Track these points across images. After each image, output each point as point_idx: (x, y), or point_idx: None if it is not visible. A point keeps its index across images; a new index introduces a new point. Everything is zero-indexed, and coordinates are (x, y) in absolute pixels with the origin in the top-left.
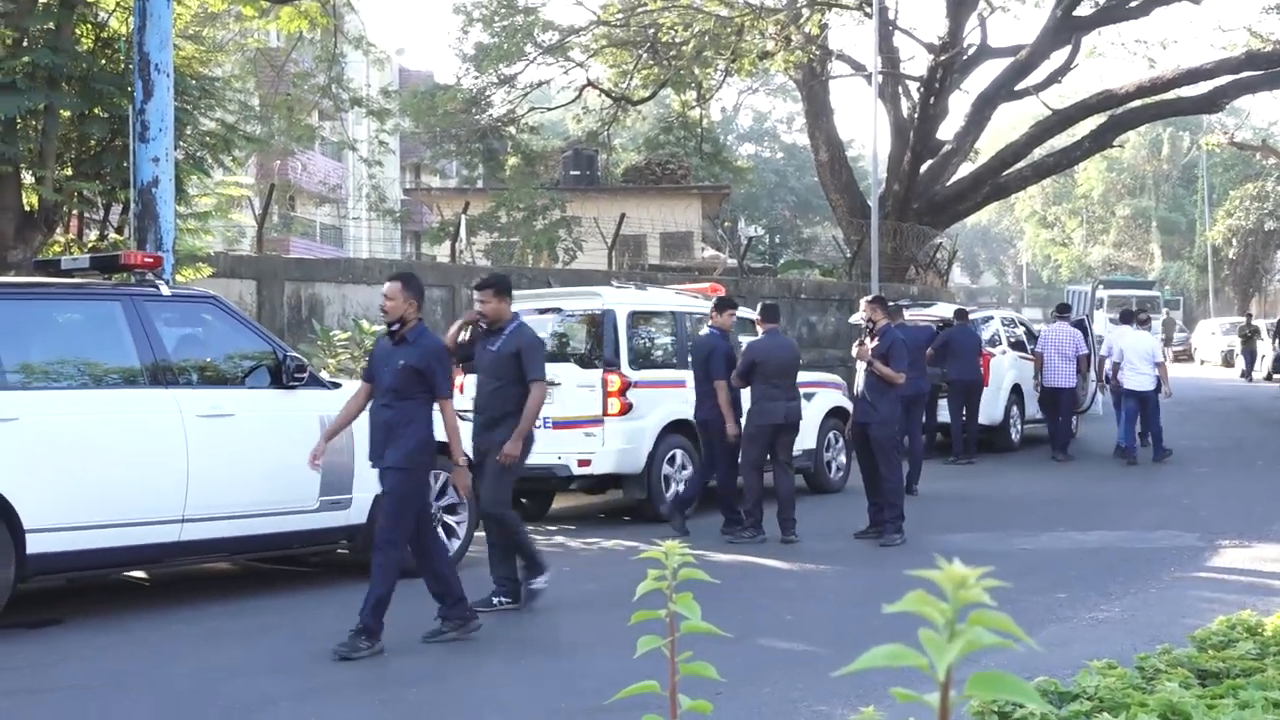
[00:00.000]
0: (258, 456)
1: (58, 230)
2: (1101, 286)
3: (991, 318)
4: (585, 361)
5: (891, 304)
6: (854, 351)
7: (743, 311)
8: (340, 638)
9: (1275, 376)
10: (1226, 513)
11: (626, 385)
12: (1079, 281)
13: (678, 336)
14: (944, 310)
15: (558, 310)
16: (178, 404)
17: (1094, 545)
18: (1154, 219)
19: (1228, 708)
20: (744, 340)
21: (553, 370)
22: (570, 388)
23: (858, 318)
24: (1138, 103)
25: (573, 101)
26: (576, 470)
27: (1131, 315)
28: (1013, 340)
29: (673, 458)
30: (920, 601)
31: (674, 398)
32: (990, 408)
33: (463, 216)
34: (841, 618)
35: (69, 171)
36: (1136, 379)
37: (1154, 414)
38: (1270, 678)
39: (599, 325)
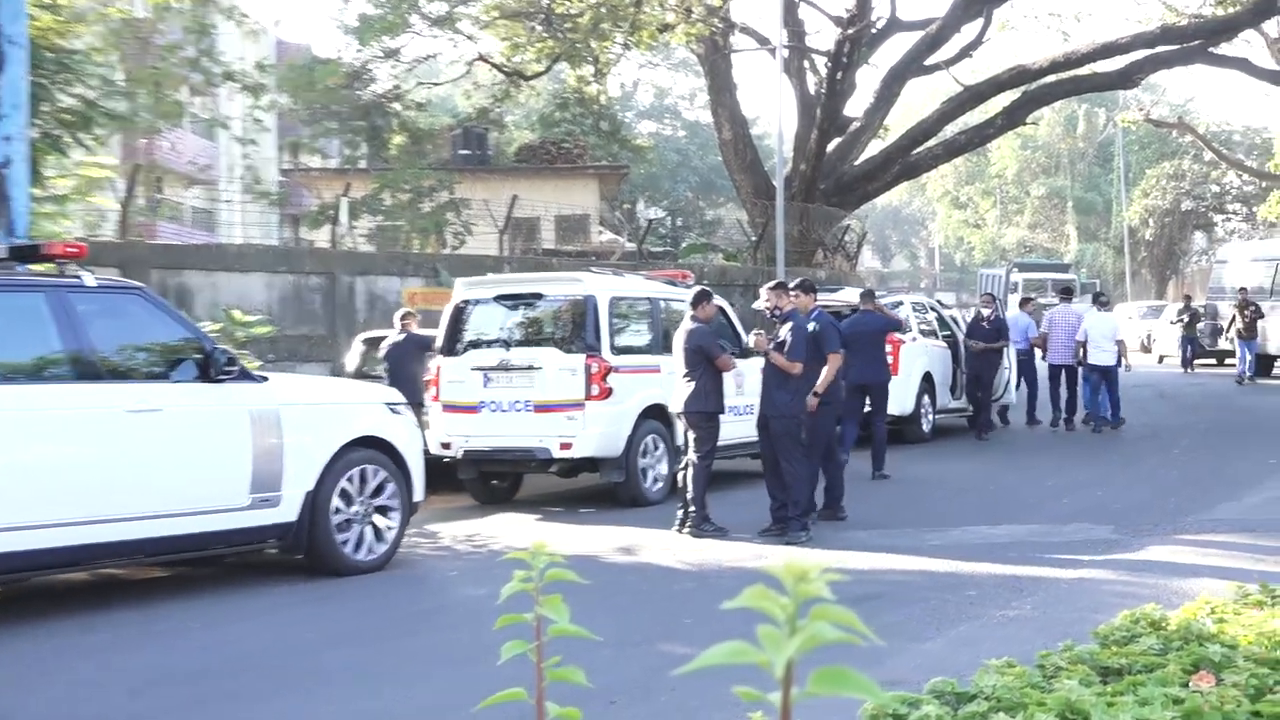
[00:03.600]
0: (186, 453)
1: None
2: (1016, 269)
3: (901, 302)
4: (566, 346)
5: (864, 290)
6: (751, 341)
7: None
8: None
9: (1195, 364)
10: (1141, 503)
11: (608, 370)
12: (992, 264)
13: (654, 322)
14: (852, 296)
15: (539, 295)
16: (104, 399)
17: (1005, 540)
18: (1069, 199)
19: (1127, 705)
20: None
21: (534, 354)
22: (552, 372)
23: (761, 304)
24: (1052, 78)
25: (462, 76)
26: (557, 453)
27: (1094, 297)
28: (924, 327)
29: (653, 442)
30: (760, 597)
31: (651, 383)
32: (901, 397)
33: (344, 199)
34: (742, 620)
35: None
36: (1100, 355)
37: (1114, 385)
38: (1171, 673)
39: (581, 310)
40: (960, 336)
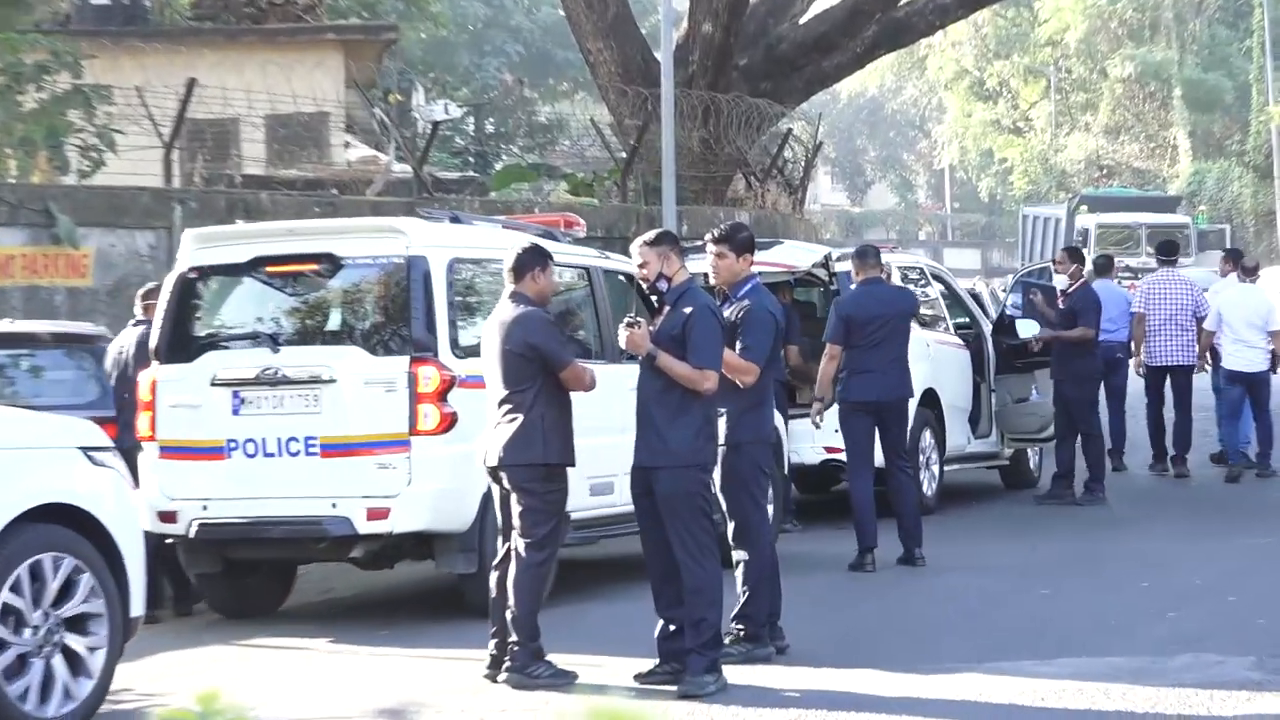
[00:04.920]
0: None
1: None
2: (1084, 207)
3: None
4: (377, 343)
5: (859, 248)
6: (622, 336)
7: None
8: None
9: None
10: None
11: (449, 383)
12: (1043, 199)
13: None
14: (797, 255)
15: (329, 258)
16: None
17: (1068, 678)
18: (1177, 84)
19: None
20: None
21: (321, 358)
22: (352, 387)
23: (633, 270)
24: None
25: None
26: (363, 525)
27: (1236, 259)
28: (926, 310)
29: None
30: None
31: None
32: None
33: None
34: None
35: None
36: (1240, 355)
37: (1265, 408)
38: None
39: (402, 284)
40: (987, 329)
